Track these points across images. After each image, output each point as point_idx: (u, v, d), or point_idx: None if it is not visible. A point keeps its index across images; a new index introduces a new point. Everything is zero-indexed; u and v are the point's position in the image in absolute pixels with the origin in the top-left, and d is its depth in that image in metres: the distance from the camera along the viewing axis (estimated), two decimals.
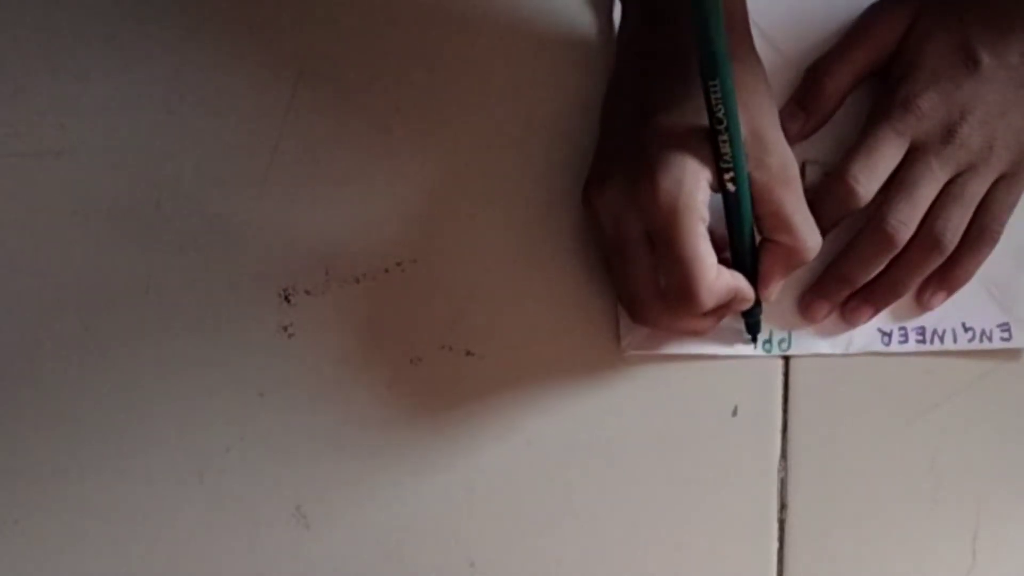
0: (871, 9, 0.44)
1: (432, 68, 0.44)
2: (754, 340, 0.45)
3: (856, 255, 0.44)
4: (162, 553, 0.44)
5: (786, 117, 0.44)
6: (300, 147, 0.43)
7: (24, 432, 0.43)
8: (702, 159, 0.38)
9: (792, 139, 0.44)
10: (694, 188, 0.38)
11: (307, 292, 0.44)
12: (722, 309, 0.41)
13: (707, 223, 0.38)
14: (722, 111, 0.37)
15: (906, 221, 0.42)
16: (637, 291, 0.41)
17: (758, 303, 0.42)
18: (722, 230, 0.40)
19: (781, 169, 0.39)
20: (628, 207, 0.39)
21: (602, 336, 0.45)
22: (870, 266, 0.43)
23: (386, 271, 0.44)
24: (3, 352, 0.43)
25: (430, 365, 0.44)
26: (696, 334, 0.44)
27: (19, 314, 0.43)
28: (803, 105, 0.44)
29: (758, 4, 0.44)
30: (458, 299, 0.44)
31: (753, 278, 0.41)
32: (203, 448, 0.44)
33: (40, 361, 0.43)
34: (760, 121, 0.39)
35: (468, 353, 0.45)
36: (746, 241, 0.40)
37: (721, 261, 0.40)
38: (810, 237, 0.40)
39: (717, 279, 0.39)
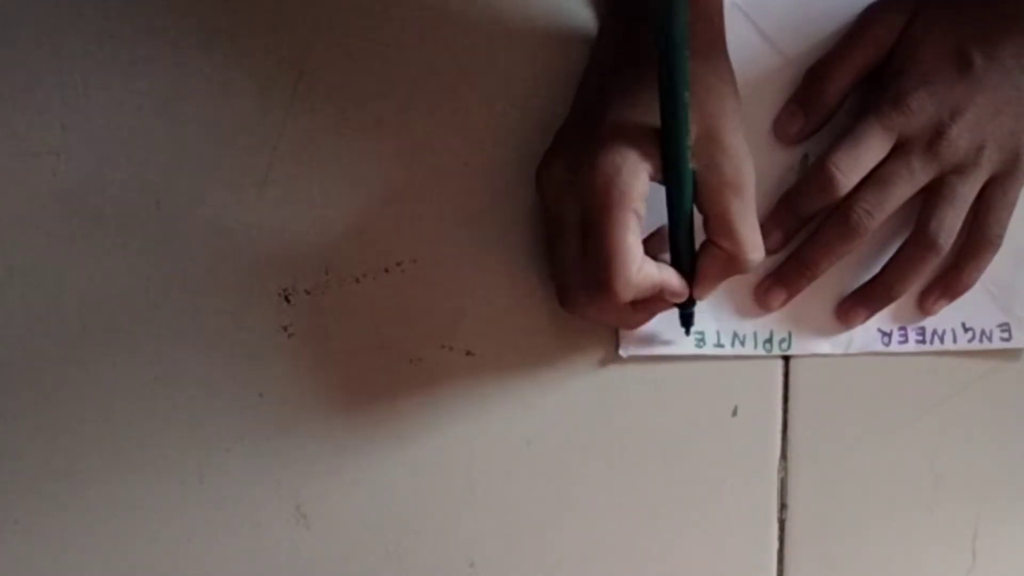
0: (869, 10, 0.44)
1: (433, 68, 0.44)
2: (687, 333, 0.44)
3: (819, 240, 0.44)
4: (162, 553, 0.44)
5: (786, 118, 0.44)
6: (300, 147, 0.43)
7: (24, 432, 0.43)
8: (645, 152, 0.38)
9: (793, 139, 0.45)
10: (631, 178, 0.37)
11: (307, 292, 0.44)
12: (652, 302, 0.41)
13: (641, 216, 0.38)
14: (671, 98, 0.36)
15: (871, 211, 0.42)
16: (566, 276, 0.40)
17: (692, 298, 0.41)
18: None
19: (734, 174, 0.38)
20: (568, 188, 0.39)
21: (601, 336, 0.45)
22: (831, 253, 0.43)
23: (386, 271, 0.44)
24: (3, 352, 0.43)
25: (430, 365, 0.44)
26: (627, 327, 0.44)
27: (19, 314, 0.43)
28: (803, 106, 0.44)
29: (758, 4, 0.44)
30: (458, 299, 0.44)
31: (690, 274, 0.41)
32: (203, 448, 0.44)
33: (40, 361, 0.43)
34: (718, 122, 0.38)
35: (468, 353, 0.45)
36: (684, 236, 0.40)
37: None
38: (753, 248, 0.39)
39: (639, 272, 0.38)
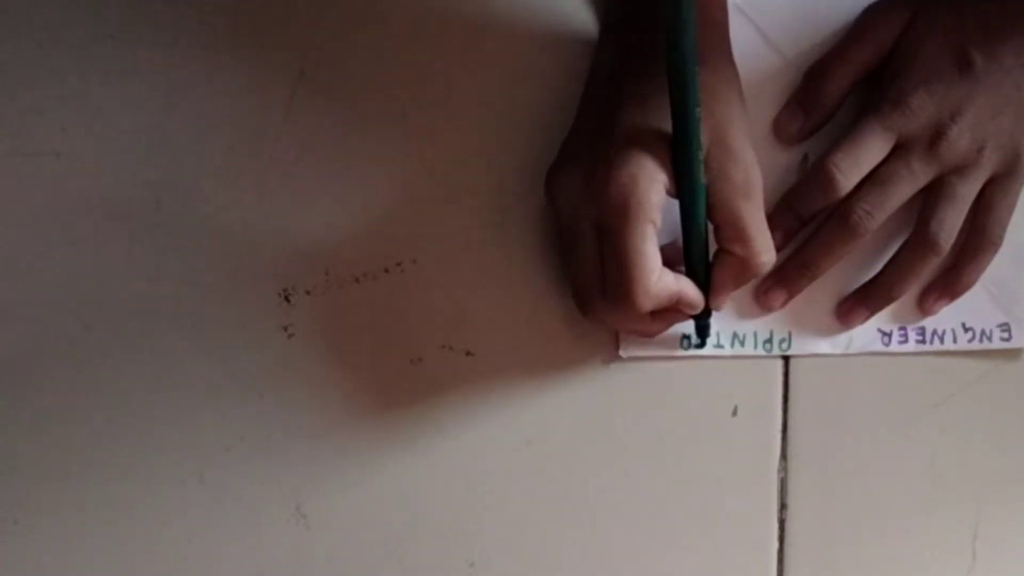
0: (869, 10, 0.44)
1: (432, 67, 0.44)
2: (702, 345, 0.44)
3: (819, 240, 0.44)
4: (162, 553, 0.44)
5: (786, 117, 0.44)
6: (300, 147, 0.43)
7: (24, 432, 0.43)
8: (660, 161, 0.38)
9: (793, 139, 0.45)
10: (648, 189, 0.37)
11: (307, 292, 0.44)
12: (669, 313, 0.41)
13: (658, 226, 0.38)
14: (683, 113, 0.37)
15: (871, 211, 0.42)
16: (583, 284, 0.40)
17: (709, 309, 0.42)
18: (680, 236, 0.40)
19: (744, 181, 0.38)
20: (582, 197, 0.39)
21: (602, 336, 0.45)
22: (831, 253, 0.43)
23: (386, 271, 0.44)
24: (3, 352, 0.43)
25: (430, 365, 0.44)
26: (644, 336, 0.44)
27: (19, 314, 0.43)
28: (803, 105, 0.44)
29: (758, 5, 0.44)
30: (458, 299, 0.44)
31: (705, 285, 0.41)
32: (203, 448, 0.44)
33: (40, 361, 0.43)
34: (727, 130, 0.38)
35: (468, 353, 0.45)
36: (698, 247, 0.40)
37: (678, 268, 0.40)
38: (764, 251, 0.39)
39: (658, 282, 0.38)
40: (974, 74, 0.41)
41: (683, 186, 0.38)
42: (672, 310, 0.40)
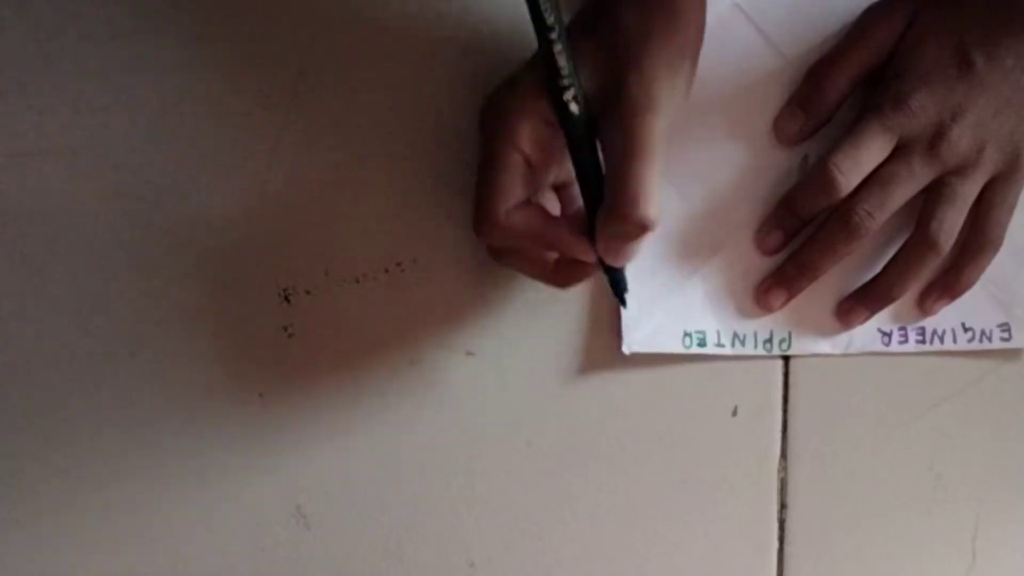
0: (869, 11, 0.44)
1: (433, 68, 0.44)
2: (622, 301, 0.40)
3: (820, 241, 0.44)
4: (162, 553, 0.44)
5: (786, 117, 0.44)
6: (300, 147, 0.43)
7: (24, 433, 0.43)
8: (535, 92, 0.37)
9: (793, 139, 0.45)
10: (516, 118, 0.37)
11: (307, 292, 0.44)
12: (575, 266, 0.39)
13: (533, 163, 0.37)
14: (541, 35, 0.35)
15: (872, 212, 0.42)
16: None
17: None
18: None
19: (643, 98, 0.35)
20: (481, 128, 0.40)
21: (602, 336, 0.45)
22: (831, 254, 0.43)
23: (386, 271, 0.44)
24: (3, 353, 0.42)
25: (430, 365, 0.44)
26: (555, 286, 0.41)
27: (19, 314, 0.43)
28: (803, 105, 0.44)
29: (758, 5, 0.44)
30: (458, 299, 0.44)
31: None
32: (203, 448, 0.44)
33: (40, 361, 0.43)
34: (626, 73, 0.36)
35: (468, 353, 0.45)
36: (585, 188, 0.37)
37: None
38: (632, 202, 0.35)
39: (511, 214, 0.37)
40: (975, 74, 0.41)
41: (558, 115, 0.37)
42: (576, 262, 0.38)
